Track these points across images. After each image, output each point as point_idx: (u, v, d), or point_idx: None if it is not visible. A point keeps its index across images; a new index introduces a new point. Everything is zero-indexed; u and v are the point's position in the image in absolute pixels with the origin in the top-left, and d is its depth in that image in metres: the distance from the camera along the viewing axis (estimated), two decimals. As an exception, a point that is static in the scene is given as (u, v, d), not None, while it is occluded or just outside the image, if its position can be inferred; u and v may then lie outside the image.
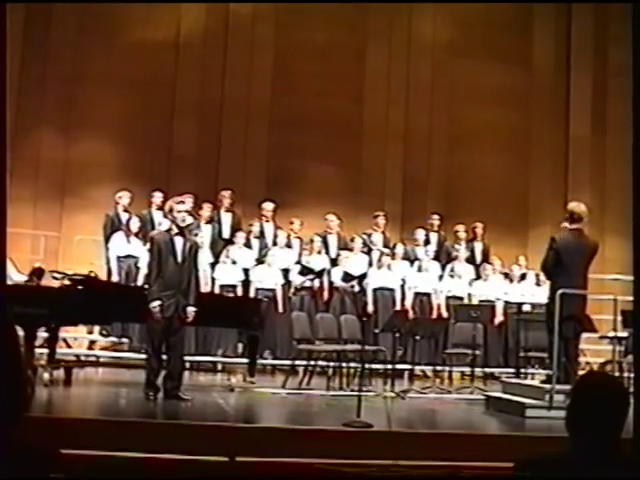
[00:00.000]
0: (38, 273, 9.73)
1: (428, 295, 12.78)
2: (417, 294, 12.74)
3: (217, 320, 9.83)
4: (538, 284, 12.73)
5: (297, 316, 10.97)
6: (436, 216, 14.04)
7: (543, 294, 9.30)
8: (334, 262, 12.70)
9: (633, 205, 4.28)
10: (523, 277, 13.24)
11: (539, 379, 9.43)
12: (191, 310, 8.38)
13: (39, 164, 14.33)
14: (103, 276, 11.39)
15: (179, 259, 8.36)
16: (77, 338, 12.40)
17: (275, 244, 12.70)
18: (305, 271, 12.19)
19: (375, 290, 12.52)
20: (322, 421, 8.01)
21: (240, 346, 11.89)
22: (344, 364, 10.36)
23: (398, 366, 10.84)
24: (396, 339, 10.55)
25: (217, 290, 11.88)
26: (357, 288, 12.48)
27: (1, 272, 3.94)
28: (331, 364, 10.51)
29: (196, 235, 10.89)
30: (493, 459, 5.85)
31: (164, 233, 8.68)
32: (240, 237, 12.52)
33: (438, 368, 11.58)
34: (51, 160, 14.37)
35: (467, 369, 11.60)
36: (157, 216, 12.36)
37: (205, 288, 11.31)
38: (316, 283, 12.39)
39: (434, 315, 12.51)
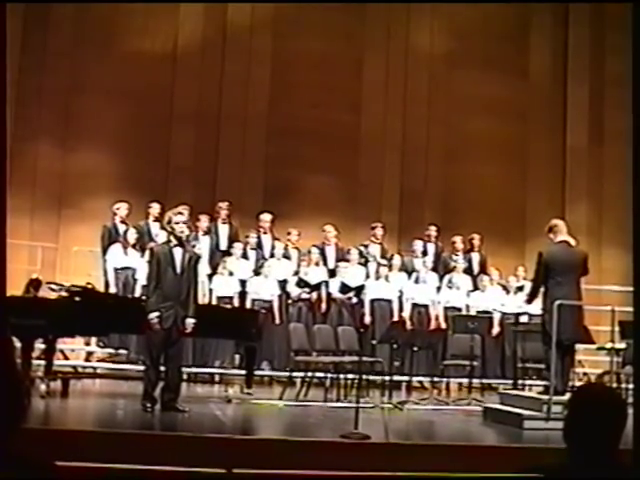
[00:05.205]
0: (35, 284, 9.71)
1: (426, 306, 12.76)
2: (415, 305, 12.72)
3: (215, 331, 9.82)
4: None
5: (295, 327, 10.95)
6: (433, 227, 14.01)
7: (540, 305, 9.29)
8: (332, 273, 12.68)
9: (633, 215, 4.27)
10: (520, 288, 13.20)
11: (537, 390, 9.40)
12: (190, 322, 8.37)
13: (36, 175, 14.33)
14: (100, 287, 11.35)
15: (178, 270, 8.35)
16: (74, 350, 12.38)
17: (273, 255, 12.68)
18: (302, 284, 12.19)
19: (372, 301, 12.50)
20: (319, 432, 7.99)
21: (237, 357, 11.88)
22: (341, 375, 10.30)
23: (396, 377, 10.81)
24: (394, 350, 10.54)
25: (214, 301, 11.88)
26: (355, 300, 12.46)
27: (1, 283, 3.93)
28: (328, 375, 10.46)
29: (194, 246, 10.87)
30: (491, 470, 5.83)
31: (163, 245, 8.68)
32: (237, 248, 12.51)
33: (436, 379, 11.56)
34: (48, 171, 14.37)
35: (465, 380, 11.57)
36: (154, 227, 12.35)
37: (202, 299, 11.29)
38: (314, 295, 12.38)
39: (432, 326, 12.49)
